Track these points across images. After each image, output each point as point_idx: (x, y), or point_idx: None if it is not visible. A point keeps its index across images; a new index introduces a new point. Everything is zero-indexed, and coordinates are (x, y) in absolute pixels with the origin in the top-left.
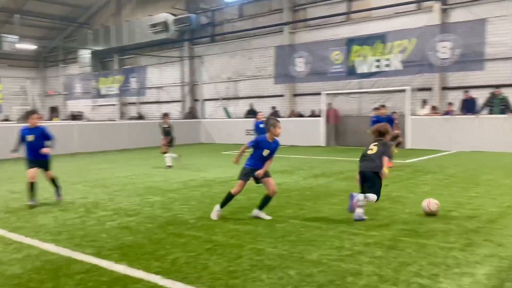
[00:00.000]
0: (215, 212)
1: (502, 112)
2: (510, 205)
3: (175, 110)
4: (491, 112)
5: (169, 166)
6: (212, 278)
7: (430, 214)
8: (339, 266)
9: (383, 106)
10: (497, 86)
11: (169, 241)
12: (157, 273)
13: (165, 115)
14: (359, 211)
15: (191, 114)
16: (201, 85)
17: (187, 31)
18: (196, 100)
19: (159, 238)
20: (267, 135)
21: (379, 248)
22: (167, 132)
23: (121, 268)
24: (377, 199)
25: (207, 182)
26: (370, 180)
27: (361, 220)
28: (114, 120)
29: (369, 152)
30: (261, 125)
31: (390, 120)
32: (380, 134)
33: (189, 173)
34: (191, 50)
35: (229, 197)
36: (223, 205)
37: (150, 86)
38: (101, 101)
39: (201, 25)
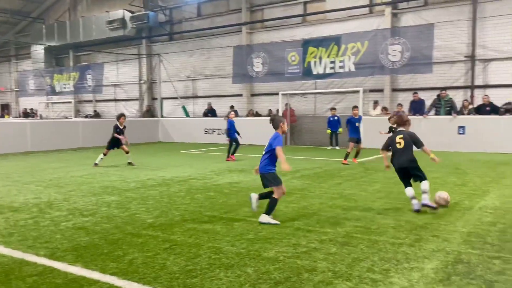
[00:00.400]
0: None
1: (448, 113)
2: (455, 202)
3: (132, 109)
4: (437, 113)
5: (131, 163)
6: (170, 277)
7: (444, 206)
8: (295, 263)
9: (355, 107)
10: (443, 88)
11: (126, 241)
12: (113, 274)
13: (122, 116)
14: (426, 198)
15: (149, 112)
16: (159, 84)
17: (145, 28)
18: (154, 99)
19: (115, 238)
20: (279, 132)
21: (333, 244)
22: (122, 133)
23: (76, 270)
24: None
25: (165, 181)
26: (413, 171)
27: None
28: (69, 118)
29: (398, 146)
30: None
31: (357, 120)
32: (404, 124)
33: (147, 172)
34: (149, 48)
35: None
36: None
37: (107, 84)
38: (55, 98)
39: (159, 23)
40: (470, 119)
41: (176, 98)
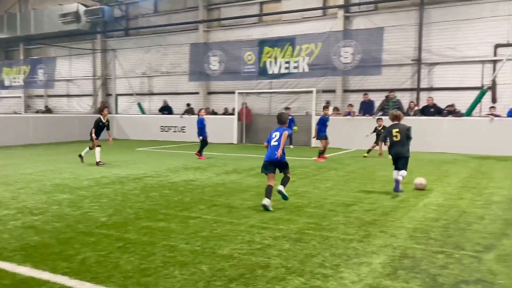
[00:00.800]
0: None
1: None
2: (401, 199)
3: (86, 105)
4: (385, 114)
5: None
6: (123, 276)
7: (421, 189)
8: (250, 259)
9: (326, 107)
10: (392, 90)
11: (78, 240)
12: (64, 273)
13: (106, 108)
14: (399, 179)
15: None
16: (114, 80)
17: (100, 23)
18: (109, 95)
19: (67, 237)
20: (285, 126)
21: (287, 241)
22: (108, 128)
23: (25, 270)
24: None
25: (119, 179)
26: (402, 161)
27: (401, 192)
28: (19, 113)
29: (395, 139)
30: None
31: (327, 120)
32: (395, 118)
33: (101, 170)
34: (103, 43)
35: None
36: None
37: (59, 79)
38: (4, 93)
39: (115, 18)
40: (416, 120)
41: (131, 94)
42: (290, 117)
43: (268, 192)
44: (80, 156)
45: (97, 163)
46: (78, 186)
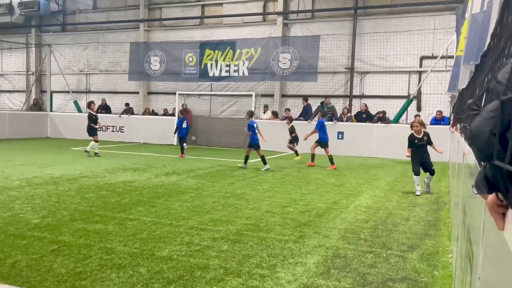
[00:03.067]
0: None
1: (330, 119)
2: (334, 201)
3: (18, 101)
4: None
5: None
6: (57, 280)
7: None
8: (189, 261)
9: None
10: (327, 96)
11: (8, 243)
12: None
13: (92, 103)
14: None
15: (37, 106)
16: (49, 76)
17: (35, 16)
18: (43, 92)
19: None
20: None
21: (225, 242)
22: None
23: None
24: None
25: (53, 179)
26: (426, 166)
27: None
28: None
29: (418, 143)
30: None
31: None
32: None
33: (33, 170)
34: (38, 37)
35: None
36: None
37: None
38: None
39: (51, 12)
40: (348, 125)
41: (67, 92)
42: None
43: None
44: (96, 154)
45: (96, 154)
46: (8, 186)
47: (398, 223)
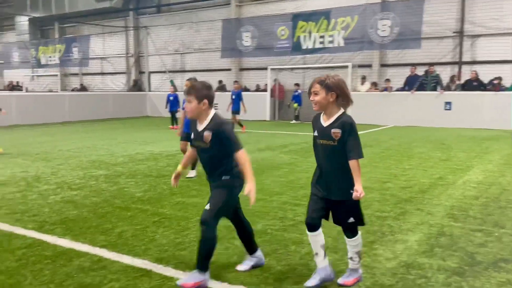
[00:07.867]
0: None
1: (434, 89)
2: (439, 177)
3: (120, 82)
4: (423, 89)
5: None
6: (159, 250)
7: None
8: (283, 235)
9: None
10: (431, 64)
11: (115, 214)
12: (102, 246)
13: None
14: None
15: (137, 86)
16: (147, 57)
17: (132, 0)
18: (142, 73)
19: (104, 212)
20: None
21: None
22: None
23: (65, 242)
24: None
25: (153, 156)
26: None
27: None
28: (55, 91)
29: None
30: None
31: None
32: None
33: (135, 147)
34: (136, 20)
35: None
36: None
37: (93, 57)
38: (41, 71)
39: None
40: (457, 95)
41: (164, 72)
42: (299, 92)
43: None
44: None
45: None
46: (113, 162)
47: None
